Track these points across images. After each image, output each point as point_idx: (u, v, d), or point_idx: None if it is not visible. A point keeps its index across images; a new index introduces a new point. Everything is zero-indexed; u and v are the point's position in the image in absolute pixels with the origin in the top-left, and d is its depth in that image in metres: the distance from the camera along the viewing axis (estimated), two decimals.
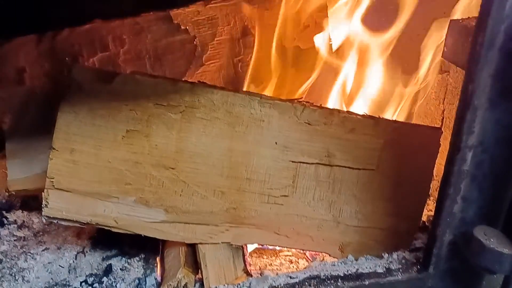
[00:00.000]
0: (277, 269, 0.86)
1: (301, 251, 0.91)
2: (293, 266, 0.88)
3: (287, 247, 0.85)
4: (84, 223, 0.80)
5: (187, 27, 0.90)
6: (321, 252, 0.86)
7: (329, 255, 0.86)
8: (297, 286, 0.69)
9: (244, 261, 0.82)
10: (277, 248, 0.90)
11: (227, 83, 0.93)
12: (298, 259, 0.90)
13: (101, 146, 0.78)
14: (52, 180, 0.78)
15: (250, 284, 0.71)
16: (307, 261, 0.89)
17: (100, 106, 0.78)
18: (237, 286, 0.71)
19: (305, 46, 0.94)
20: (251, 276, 0.78)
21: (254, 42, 0.91)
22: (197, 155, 0.80)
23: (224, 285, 0.74)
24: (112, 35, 0.90)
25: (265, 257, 0.90)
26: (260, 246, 0.90)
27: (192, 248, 0.85)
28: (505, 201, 0.63)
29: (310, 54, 0.94)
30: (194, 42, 0.91)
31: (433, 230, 0.67)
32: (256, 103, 0.80)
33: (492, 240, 0.61)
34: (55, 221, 0.80)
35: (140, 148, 0.79)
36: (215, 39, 0.91)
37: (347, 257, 0.81)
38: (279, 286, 0.69)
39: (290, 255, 0.90)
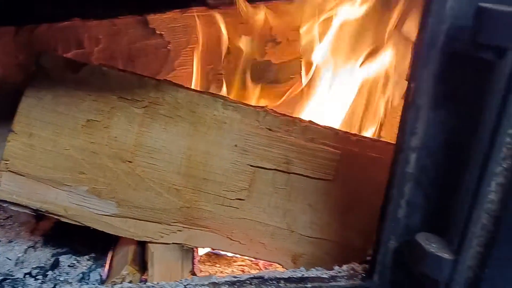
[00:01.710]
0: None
1: (254, 261, 0.89)
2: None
3: (240, 254, 0.84)
4: (33, 209, 0.79)
5: (163, 33, 0.93)
6: (274, 263, 0.85)
7: (282, 266, 0.84)
8: (237, 283, 0.67)
9: (193, 264, 0.80)
10: (229, 255, 0.88)
11: (200, 87, 0.95)
12: (251, 269, 0.88)
13: (60, 133, 0.78)
14: (7, 162, 0.78)
15: (192, 280, 0.69)
16: (259, 271, 0.87)
17: (64, 94, 0.79)
18: (180, 282, 0.69)
19: (276, 61, 0.97)
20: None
21: (227, 52, 0.94)
22: (156, 151, 0.80)
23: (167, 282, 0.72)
24: (88, 34, 0.92)
25: (218, 265, 0.88)
26: (212, 251, 0.88)
27: (143, 249, 0.84)
28: (451, 209, 0.63)
29: (281, 68, 0.97)
30: (168, 47, 0.94)
31: (378, 236, 0.66)
32: (219, 105, 0.81)
33: (433, 245, 0.61)
34: (5, 205, 0.79)
35: (99, 138, 0.79)
36: (188, 46, 0.94)
37: (299, 269, 0.80)
38: (220, 283, 0.67)
39: (243, 265, 0.89)
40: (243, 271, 0.87)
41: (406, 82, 0.58)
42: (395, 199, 0.63)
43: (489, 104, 0.52)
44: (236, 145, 0.81)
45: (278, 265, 0.85)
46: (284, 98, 0.93)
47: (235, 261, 0.90)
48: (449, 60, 0.55)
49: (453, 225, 0.60)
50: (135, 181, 0.79)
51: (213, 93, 0.83)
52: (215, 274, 0.85)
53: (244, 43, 0.94)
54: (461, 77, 0.55)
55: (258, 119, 0.81)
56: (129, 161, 0.79)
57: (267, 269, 0.87)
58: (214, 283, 0.67)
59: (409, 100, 0.57)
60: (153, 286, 0.66)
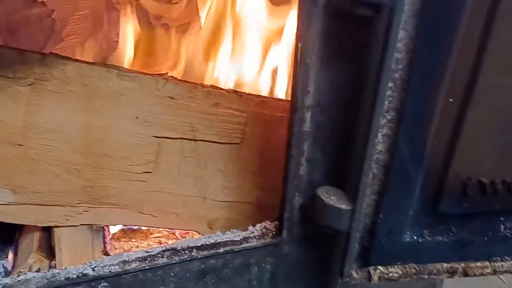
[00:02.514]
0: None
1: (171, 231, 0.89)
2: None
3: (154, 227, 0.82)
4: None
5: (44, 0, 0.85)
6: (190, 231, 0.85)
7: (199, 233, 0.84)
8: (149, 258, 0.66)
9: (104, 243, 0.78)
10: (144, 229, 0.87)
11: (92, 58, 0.89)
12: (168, 240, 0.87)
13: None
14: None
15: (102, 261, 0.67)
16: (177, 240, 0.87)
17: None
18: (89, 264, 0.66)
19: (174, 24, 0.93)
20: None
21: (119, 18, 0.88)
22: (49, 131, 0.74)
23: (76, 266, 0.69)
24: None
25: (133, 240, 0.87)
26: (125, 227, 0.86)
27: (50, 234, 0.80)
28: (349, 162, 0.65)
29: (180, 32, 0.93)
30: (52, 16, 0.86)
31: (283, 194, 0.68)
32: (114, 76, 0.76)
33: (332, 198, 0.63)
34: None
35: None
36: (76, 13, 0.86)
37: (215, 233, 0.80)
38: (131, 260, 0.65)
39: (159, 237, 0.88)
40: (160, 242, 0.86)
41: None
42: (295, 157, 0.64)
43: (370, 59, 0.54)
44: (137, 117, 0.78)
45: (195, 233, 0.85)
46: (183, 63, 0.90)
47: (151, 234, 0.89)
48: (332, 18, 0.55)
49: (349, 177, 0.63)
50: (30, 165, 0.74)
51: (105, 64, 0.78)
52: (131, 249, 0.84)
53: (138, 6, 0.89)
54: (345, 35, 0.55)
55: (158, 87, 0.78)
56: (20, 144, 0.74)
57: (184, 237, 0.86)
58: (124, 261, 0.65)
59: (298, 60, 0.57)
60: (58, 273, 0.63)
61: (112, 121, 0.77)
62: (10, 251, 0.79)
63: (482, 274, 0.70)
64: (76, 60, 0.76)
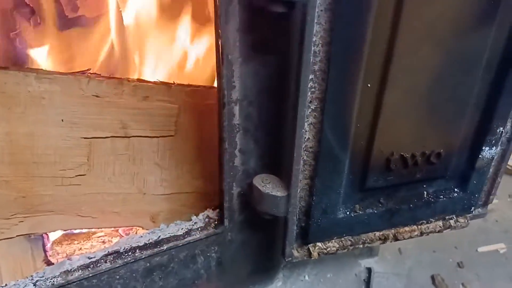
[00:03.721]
0: (87, 253, 0.82)
1: (113, 229, 0.88)
2: (105, 247, 0.84)
3: (95, 228, 0.81)
4: None
5: None
6: (133, 227, 0.84)
7: (142, 228, 0.84)
8: (92, 265, 0.66)
9: (45, 251, 0.76)
10: (85, 231, 0.86)
11: (6, 59, 0.83)
12: (111, 237, 0.87)
13: None
14: None
15: (44, 272, 0.66)
16: (121, 238, 0.86)
17: None
18: (30, 277, 0.65)
19: (91, 14, 0.88)
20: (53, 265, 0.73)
21: (33, 13, 0.82)
22: None
23: (17, 280, 0.68)
24: None
25: (76, 242, 0.85)
26: (66, 232, 0.85)
27: None
28: (281, 150, 0.67)
29: (101, 23, 0.89)
30: None
31: (220, 185, 0.69)
32: (32, 80, 0.72)
33: (268, 186, 0.65)
34: None
35: None
36: None
37: (159, 227, 0.81)
38: (73, 269, 0.65)
39: (103, 236, 0.87)
40: (104, 242, 0.86)
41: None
42: (228, 150, 0.65)
43: (289, 52, 0.55)
44: (62, 120, 0.75)
45: (139, 228, 0.85)
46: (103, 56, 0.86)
47: (94, 233, 0.88)
48: (249, 14, 0.55)
49: (282, 165, 0.65)
50: None
51: (21, 68, 0.73)
52: (74, 252, 0.83)
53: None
54: (264, 30, 0.56)
55: (81, 87, 0.75)
56: None
57: (128, 234, 0.86)
58: (66, 272, 0.65)
59: (221, 57, 0.57)
60: None
61: (37, 127, 0.73)
62: None
63: (410, 237, 0.76)
64: None
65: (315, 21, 0.51)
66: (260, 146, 0.67)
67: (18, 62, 0.85)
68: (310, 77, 0.55)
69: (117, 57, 0.86)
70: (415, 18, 0.54)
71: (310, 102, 0.57)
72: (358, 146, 0.63)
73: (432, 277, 1.07)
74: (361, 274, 0.98)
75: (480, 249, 1.20)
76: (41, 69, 0.74)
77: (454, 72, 0.60)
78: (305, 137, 0.60)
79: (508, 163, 1.41)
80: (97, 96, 0.76)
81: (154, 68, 0.88)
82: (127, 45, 0.87)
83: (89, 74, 0.76)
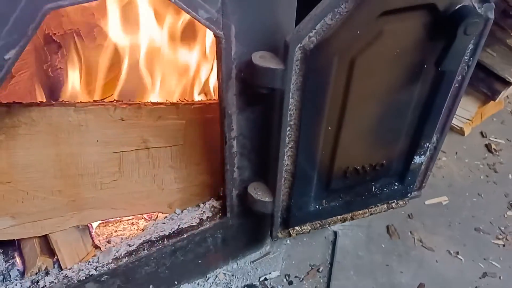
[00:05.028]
0: (121, 234, 1.08)
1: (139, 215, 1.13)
2: (134, 228, 1.10)
3: (126, 216, 1.06)
4: None
5: None
6: (155, 212, 1.10)
7: (162, 213, 1.10)
8: (134, 253, 0.91)
9: (92, 238, 1.01)
10: (118, 218, 1.11)
11: (44, 87, 1.03)
12: (138, 220, 1.12)
13: None
14: None
15: (98, 258, 0.91)
16: (146, 220, 1.11)
17: None
18: (88, 263, 0.91)
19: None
20: (100, 248, 0.99)
21: (59, 47, 1.00)
22: (29, 166, 0.92)
23: (78, 263, 0.94)
24: None
25: (110, 225, 1.11)
26: (103, 221, 1.10)
27: (45, 236, 1.01)
28: (266, 166, 0.91)
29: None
30: None
31: (224, 190, 0.94)
32: (71, 112, 0.93)
33: (259, 193, 0.90)
34: None
35: None
36: None
37: (175, 212, 1.07)
38: (120, 256, 0.91)
39: (131, 219, 1.12)
40: (132, 223, 1.11)
41: None
42: (229, 169, 0.89)
43: (273, 111, 0.77)
44: (97, 140, 0.96)
45: (159, 212, 1.10)
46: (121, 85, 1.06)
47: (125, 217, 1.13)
48: (243, 84, 0.76)
49: (269, 178, 0.90)
50: (21, 195, 0.93)
51: (63, 103, 0.93)
52: (110, 234, 1.08)
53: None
54: (252, 93, 0.77)
55: (110, 113, 0.96)
56: (9, 181, 0.91)
57: (150, 217, 1.11)
58: (116, 258, 0.90)
59: (223, 111, 0.79)
60: (71, 277, 0.88)
61: (78, 148, 0.95)
62: (16, 256, 1.01)
63: (363, 217, 1.03)
64: (38, 104, 0.91)
65: (290, 96, 0.72)
66: (253, 163, 0.91)
67: (52, 87, 1.05)
68: (288, 129, 0.77)
69: (133, 82, 1.05)
70: (361, 86, 0.76)
71: (288, 143, 0.80)
72: (323, 165, 0.87)
73: (387, 227, 1.36)
74: (329, 236, 1.27)
75: (427, 202, 1.47)
76: (78, 102, 0.94)
77: (391, 114, 0.83)
78: (285, 164, 0.84)
79: (456, 123, 1.67)
80: (122, 120, 0.97)
81: (164, 90, 1.08)
82: (141, 72, 1.06)
83: (115, 104, 0.96)
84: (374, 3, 0.64)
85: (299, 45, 0.66)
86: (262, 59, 0.69)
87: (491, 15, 0.74)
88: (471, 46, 0.78)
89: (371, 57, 0.71)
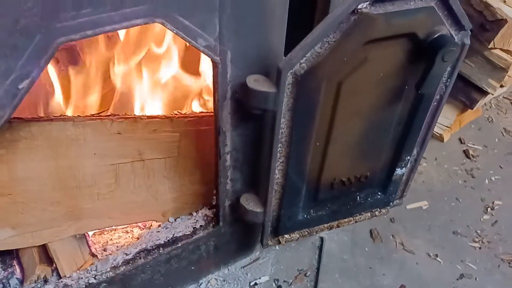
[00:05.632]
0: (116, 242, 1.12)
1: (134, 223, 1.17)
2: (129, 236, 1.14)
3: (122, 225, 1.10)
4: None
5: None
6: (149, 221, 1.14)
7: (156, 221, 1.14)
8: (131, 262, 0.96)
9: (89, 246, 1.05)
10: (114, 227, 1.14)
11: (43, 102, 1.06)
12: (132, 228, 1.16)
13: None
14: None
15: (96, 267, 0.95)
16: (140, 228, 1.16)
17: None
18: (87, 271, 0.95)
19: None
20: (96, 256, 1.03)
21: (58, 62, 1.04)
22: (29, 179, 0.95)
23: (77, 271, 0.97)
24: None
25: (105, 233, 1.14)
26: (98, 230, 1.13)
27: (44, 245, 1.05)
28: (258, 178, 0.96)
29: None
30: None
31: (217, 200, 0.99)
32: (70, 126, 0.96)
33: (251, 204, 0.95)
34: None
35: None
36: None
37: (168, 220, 1.11)
38: (118, 265, 0.95)
39: (126, 227, 1.16)
40: (126, 231, 1.15)
41: None
42: (222, 180, 0.94)
43: (266, 127, 0.82)
44: (95, 153, 1.00)
45: (153, 220, 1.14)
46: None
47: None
48: (236, 103, 0.81)
49: (260, 190, 0.95)
50: (20, 207, 0.96)
51: (61, 117, 0.97)
52: (106, 242, 1.12)
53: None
54: (246, 112, 0.82)
55: (106, 127, 1.00)
56: (9, 194, 0.94)
57: (145, 225, 1.15)
58: (114, 267, 0.95)
59: (218, 130, 0.84)
60: (70, 285, 0.92)
61: (76, 161, 0.99)
62: (15, 264, 1.04)
63: (348, 225, 1.09)
64: (38, 120, 0.94)
65: (282, 117, 0.78)
66: (245, 175, 0.96)
67: (46, 102, 1.08)
68: (279, 145, 0.83)
69: (127, 96, 1.09)
70: (347, 106, 0.82)
71: (279, 158, 0.85)
72: (311, 178, 0.92)
73: (370, 231, 1.43)
74: (316, 242, 1.33)
75: (408, 206, 1.55)
76: (76, 117, 0.98)
77: (375, 130, 0.89)
78: (276, 177, 0.89)
79: (436, 130, 1.75)
80: (118, 133, 1.01)
81: (157, 104, 1.12)
82: (133, 88, 1.10)
83: (111, 118, 1.00)
84: (359, 34, 0.69)
85: (290, 71, 0.71)
86: (256, 82, 0.74)
87: (467, 41, 0.81)
88: (448, 69, 0.84)
89: (357, 80, 0.77)
